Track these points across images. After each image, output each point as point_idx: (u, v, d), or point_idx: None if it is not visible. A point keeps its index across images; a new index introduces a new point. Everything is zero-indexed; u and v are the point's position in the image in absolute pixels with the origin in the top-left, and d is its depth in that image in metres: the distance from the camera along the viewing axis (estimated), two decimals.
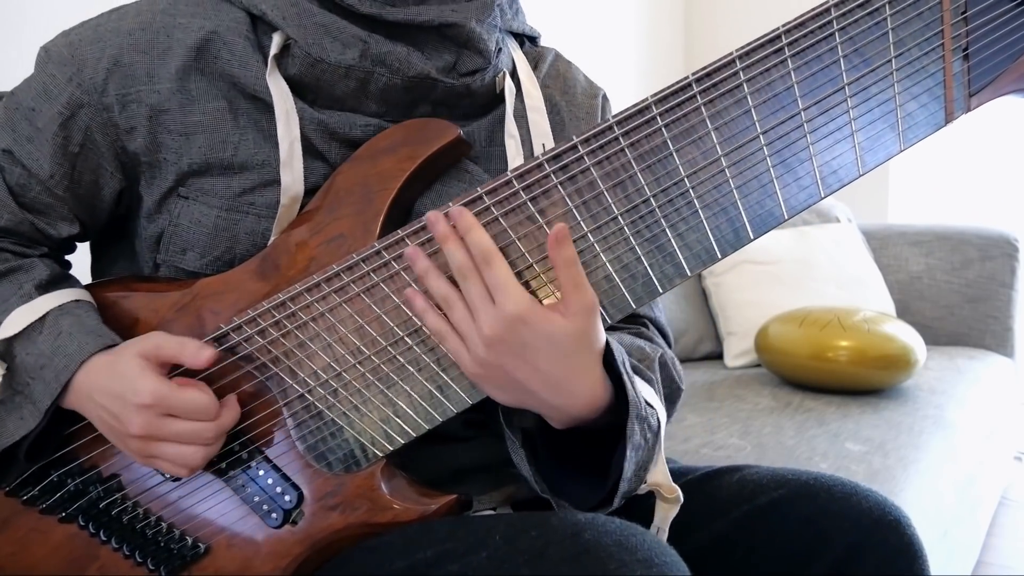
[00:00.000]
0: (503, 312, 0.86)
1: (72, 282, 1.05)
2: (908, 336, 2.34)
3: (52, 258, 1.08)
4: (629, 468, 0.90)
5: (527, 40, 1.17)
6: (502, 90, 1.08)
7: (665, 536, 0.94)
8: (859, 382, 2.31)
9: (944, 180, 3.63)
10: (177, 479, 1.00)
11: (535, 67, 1.15)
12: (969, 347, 2.94)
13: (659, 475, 0.94)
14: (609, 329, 0.96)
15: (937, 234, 3.09)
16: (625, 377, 0.91)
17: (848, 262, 2.92)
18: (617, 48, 3.44)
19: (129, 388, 0.91)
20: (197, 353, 0.93)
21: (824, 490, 1.00)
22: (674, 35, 3.83)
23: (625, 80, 3.45)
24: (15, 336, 0.98)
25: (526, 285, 0.91)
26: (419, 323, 0.93)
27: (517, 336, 0.86)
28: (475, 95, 1.05)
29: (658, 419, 0.94)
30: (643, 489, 0.94)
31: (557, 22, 2.91)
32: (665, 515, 0.95)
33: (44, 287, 1.01)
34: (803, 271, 2.80)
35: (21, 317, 0.98)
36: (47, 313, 0.98)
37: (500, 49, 1.07)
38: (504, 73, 1.08)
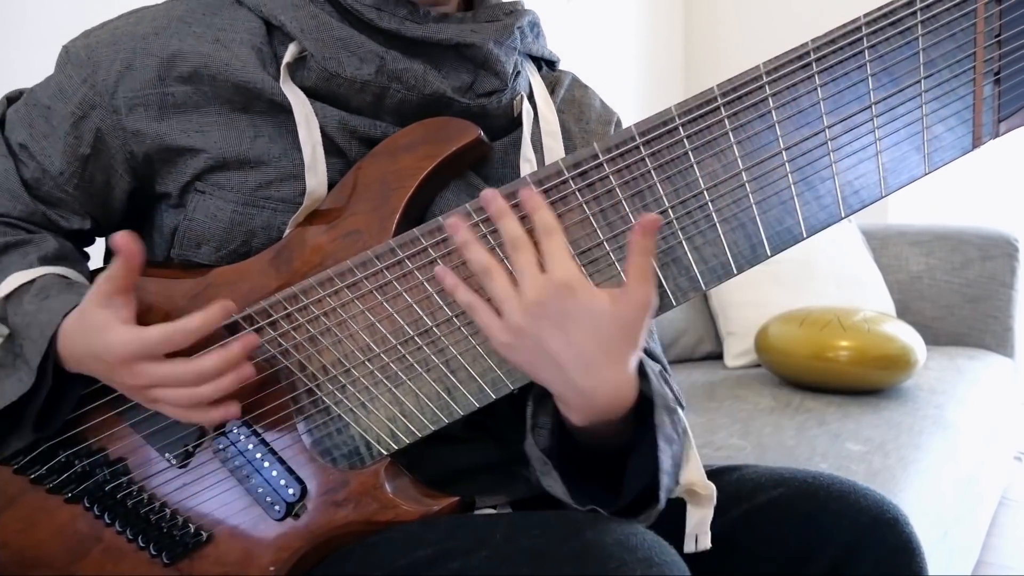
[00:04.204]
0: (552, 278, 0.84)
1: (78, 263, 1.06)
2: (908, 336, 2.34)
3: (65, 239, 1.08)
4: (666, 461, 0.88)
5: (545, 64, 1.17)
6: (519, 113, 1.07)
7: (708, 541, 0.93)
8: (859, 382, 2.31)
9: (944, 180, 3.62)
10: (184, 465, 1.00)
11: (551, 92, 1.14)
12: (969, 347, 2.94)
13: (693, 473, 0.92)
14: None
15: (937, 234, 3.09)
16: (648, 369, 0.90)
17: (848, 262, 2.91)
18: (617, 53, 3.43)
19: (103, 346, 0.91)
20: (126, 251, 0.90)
21: (822, 489, 1.01)
22: (674, 35, 3.81)
23: (625, 85, 3.45)
24: (8, 300, 0.99)
25: None
26: (429, 323, 0.93)
27: (561, 304, 0.84)
28: (491, 117, 1.05)
29: (683, 418, 0.93)
30: (678, 491, 0.93)
31: (557, 26, 2.89)
32: (700, 519, 0.93)
33: (49, 260, 1.02)
34: (803, 271, 2.80)
35: (14, 280, 0.99)
36: (38, 277, 0.99)
37: (518, 72, 1.07)
38: (522, 96, 1.07)
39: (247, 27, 1.00)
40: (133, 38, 1.00)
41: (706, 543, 0.92)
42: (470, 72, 1.03)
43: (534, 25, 1.13)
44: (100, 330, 0.91)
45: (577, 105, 1.16)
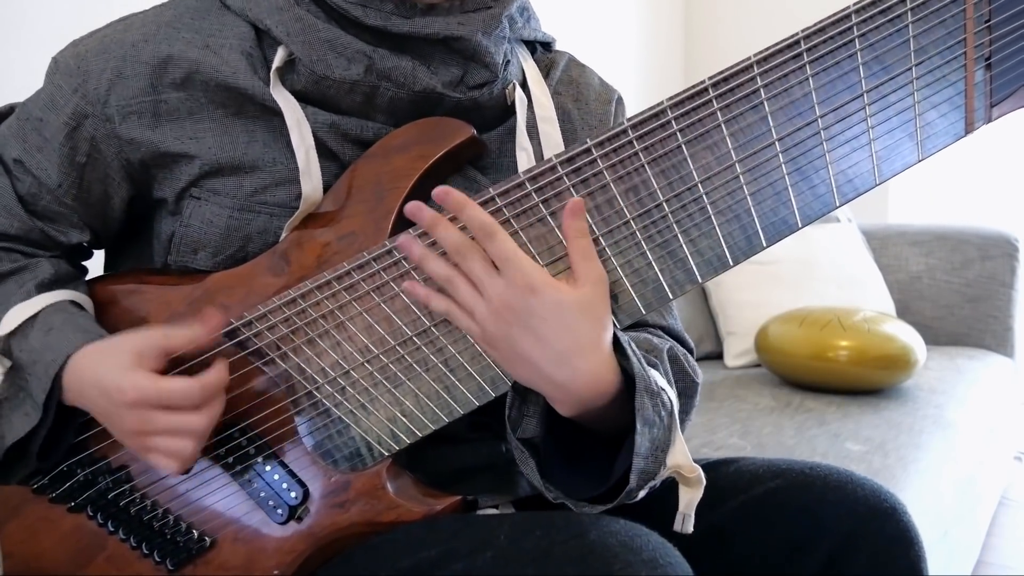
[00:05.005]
0: (513, 282, 0.85)
1: (76, 283, 1.06)
2: (908, 336, 2.34)
3: (63, 259, 1.08)
4: (643, 444, 0.88)
5: (540, 46, 1.16)
6: (513, 102, 1.07)
7: (692, 523, 0.92)
8: (859, 382, 2.31)
9: (944, 180, 3.63)
10: (185, 472, 0.99)
11: (547, 74, 1.14)
12: (969, 347, 2.93)
13: (679, 456, 0.91)
14: None
15: (937, 234, 3.08)
16: (629, 350, 0.89)
17: (848, 262, 2.91)
18: (617, 48, 3.43)
19: (114, 386, 0.91)
20: (209, 329, 0.95)
21: (819, 479, 1.01)
22: (674, 35, 3.82)
23: (625, 80, 3.44)
24: (13, 334, 0.99)
25: None
26: (427, 323, 0.93)
27: (526, 305, 0.85)
28: (483, 108, 1.05)
29: (671, 399, 0.92)
30: (664, 473, 0.91)
31: (557, 22, 2.89)
32: (689, 499, 0.92)
33: (46, 286, 1.02)
34: (803, 271, 2.80)
35: (17, 314, 0.99)
36: (40, 310, 0.99)
37: (509, 61, 1.07)
38: (514, 84, 1.07)
39: (236, 32, 1.00)
40: (122, 46, 1.00)
41: (689, 527, 0.92)
42: (460, 65, 1.02)
43: (524, 9, 1.12)
44: (120, 369, 0.92)
45: (575, 85, 1.15)
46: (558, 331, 0.85)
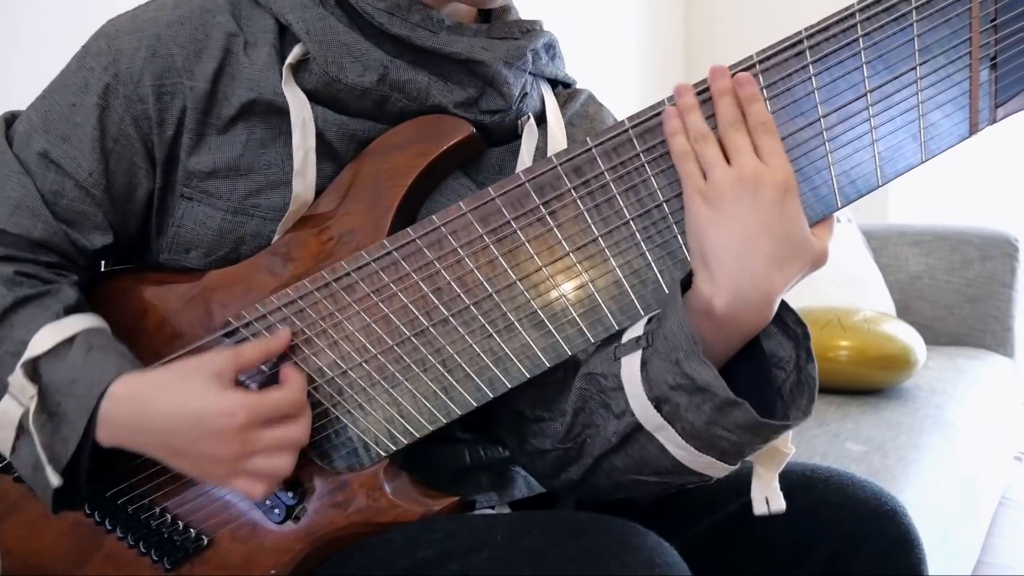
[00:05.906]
0: (776, 171, 0.82)
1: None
2: (908, 336, 2.33)
3: (79, 286, 1.02)
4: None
5: (560, 85, 1.14)
6: (523, 133, 1.05)
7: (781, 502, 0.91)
8: (859, 382, 2.30)
9: (944, 180, 3.62)
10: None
11: (564, 108, 1.12)
12: (969, 347, 2.92)
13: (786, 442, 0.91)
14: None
15: (937, 234, 3.07)
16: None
17: (848, 262, 2.90)
18: (617, 48, 3.43)
19: (216, 410, 0.88)
20: (273, 345, 0.93)
21: (820, 481, 1.01)
22: (674, 35, 3.81)
23: (625, 80, 3.44)
24: (42, 356, 0.93)
25: (535, 288, 0.90)
26: (425, 324, 0.92)
27: (776, 196, 0.82)
28: (491, 133, 1.03)
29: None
30: (776, 440, 0.90)
31: (556, 22, 2.89)
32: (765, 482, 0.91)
33: (73, 309, 0.97)
34: None
35: (50, 335, 0.94)
36: (78, 332, 0.95)
37: (526, 94, 1.05)
38: (528, 117, 1.05)
39: (262, 25, 0.99)
40: (156, 25, 0.98)
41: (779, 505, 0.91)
42: (477, 87, 1.01)
43: (550, 47, 1.10)
44: (210, 393, 0.89)
45: (589, 119, 1.14)
46: (782, 241, 0.83)
